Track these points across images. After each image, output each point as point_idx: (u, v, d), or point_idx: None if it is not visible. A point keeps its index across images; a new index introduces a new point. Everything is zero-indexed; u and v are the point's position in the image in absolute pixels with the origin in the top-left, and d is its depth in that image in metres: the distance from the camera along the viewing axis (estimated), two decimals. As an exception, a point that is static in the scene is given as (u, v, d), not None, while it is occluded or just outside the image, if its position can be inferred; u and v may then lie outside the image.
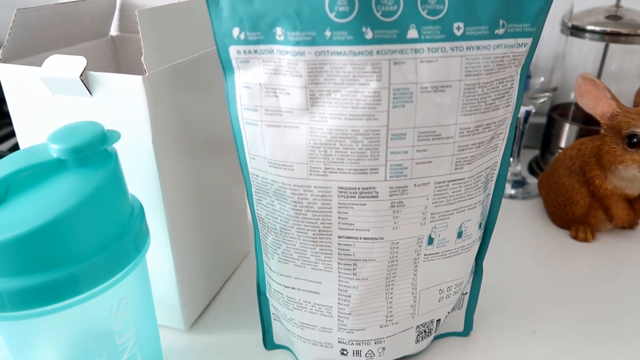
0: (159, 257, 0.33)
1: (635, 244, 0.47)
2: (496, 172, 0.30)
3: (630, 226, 0.49)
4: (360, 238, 0.27)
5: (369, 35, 0.23)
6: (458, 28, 0.24)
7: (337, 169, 0.26)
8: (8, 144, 0.65)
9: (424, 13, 0.24)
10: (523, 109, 0.52)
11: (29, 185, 0.23)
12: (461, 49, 0.24)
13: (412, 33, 0.24)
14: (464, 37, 0.24)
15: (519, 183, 0.57)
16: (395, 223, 0.27)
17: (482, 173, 0.29)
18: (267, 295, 0.33)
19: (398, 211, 0.27)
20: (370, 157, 0.25)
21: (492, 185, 0.30)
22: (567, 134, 0.58)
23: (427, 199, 0.27)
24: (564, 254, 0.46)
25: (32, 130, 0.32)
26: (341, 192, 0.26)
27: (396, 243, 0.28)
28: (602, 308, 0.39)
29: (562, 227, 0.50)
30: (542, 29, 0.26)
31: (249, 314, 0.38)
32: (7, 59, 0.31)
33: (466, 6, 0.24)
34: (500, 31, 0.25)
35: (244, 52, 0.25)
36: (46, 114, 0.31)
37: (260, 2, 0.24)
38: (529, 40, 0.26)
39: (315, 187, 0.26)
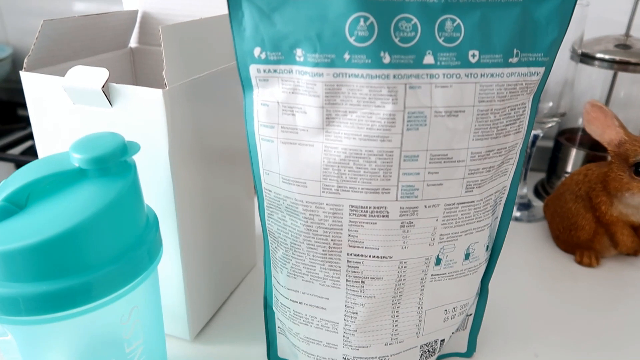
0: (168, 267, 0.33)
1: (639, 271, 0.47)
2: (505, 196, 0.30)
3: (635, 253, 0.49)
4: (370, 256, 0.28)
5: (387, 59, 0.24)
6: (473, 55, 0.25)
7: (350, 187, 0.26)
8: (20, 148, 0.66)
9: (440, 40, 0.24)
10: (531, 133, 0.53)
11: (49, 192, 0.24)
12: (475, 75, 0.25)
13: (429, 59, 0.24)
14: (478, 65, 0.25)
15: (525, 206, 0.57)
16: (404, 243, 0.28)
17: (492, 197, 0.29)
18: (274, 308, 0.33)
19: (407, 231, 0.27)
20: (383, 177, 0.26)
21: (500, 208, 0.31)
22: (573, 158, 0.59)
23: (437, 220, 0.28)
24: (568, 278, 0.46)
25: (51, 138, 0.32)
26: (352, 210, 0.27)
27: (404, 262, 0.28)
28: (605, 334, 0.39)
29: (566, 251, 0.50)
30: (554, 59, 0.27)
31: (253, 326, 0.39)
32: (30, 68, 0.32)
33: (482, 35, 0.25)
34: (514, 60, 0.26)
35: (264, 70, 0.26)
36: (66, 122, 0.31)
37: (282, 24, 0.24)
38: (541, 69, 0.27)
39: (327, 204, 0.27)
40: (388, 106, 0.25)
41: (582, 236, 0.47)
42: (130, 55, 0.42)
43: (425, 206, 0.27)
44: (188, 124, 0.31)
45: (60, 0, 0.77)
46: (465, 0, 0.24)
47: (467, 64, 0.25)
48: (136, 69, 0.43)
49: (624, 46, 0.53)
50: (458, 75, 0.25)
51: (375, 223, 0.27)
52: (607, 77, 0.57)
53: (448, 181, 0.27)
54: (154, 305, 0.29)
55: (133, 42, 0.42)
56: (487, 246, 0.31)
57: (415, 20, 0.24)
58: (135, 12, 0.40)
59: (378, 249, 0.28)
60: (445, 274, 0.30)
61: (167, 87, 0.29)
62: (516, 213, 0.56)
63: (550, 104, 0.51)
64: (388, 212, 0.27)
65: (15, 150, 0.65)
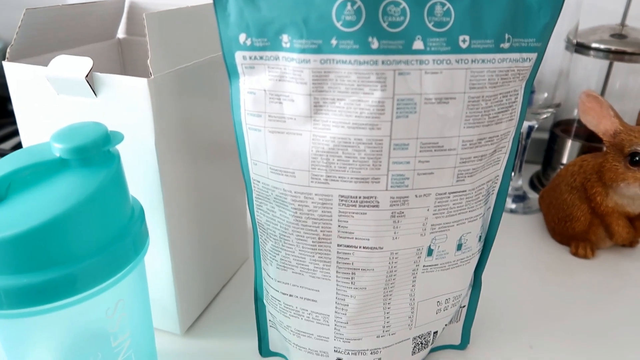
0: (157, 260, 0.33)
1: (635, 262, 0.47)
2: (498, 185, 0.30)
3: (631, 244, 0.49)
4: (360, 247, 0.27)
5: (375, 45, 0.23)
6: (464, 41, 0.24)
7: (339, 177, 0.26)
8: (11, 142, 0.65)
9: (430, 25, 0.24)
10: (526, 124, 0.52)
11: (30, 183, 0.23)
12: (466, 61, 0.24)
13: (418, 44, 0.24)
14: (469, 50, 0.24)
15: (520, 198, 0.57)
16: (395, 233, 0.27)
17: (484, 186, 0.29)
18: (264, 301, 0.33)
19: (398, 221, 0.27)
20: (372, 166, 0.25)
21: (493, 198, 0.30)
22: (569, 150, 0.58)
23: (428, 210, 0.27)
24: (564, 270, 0.46)
25: (36, 129, 0.32)
26: (342, 200, 0.26)
27: (395, 253, 0.28)
28: (600, 325, 0.39)
29: (562, 243, 0.50)
30: (547, 45, 0.26)
31: (245, 320, 0.38)
32: (13, 58, 0.31)
33: (472, 19, 0.24)
34: (506, 45, 0.25)
35: (250, 57, 0.25)
36: (50, 113, 0.31)
37: (267, 9, 0.24)
38: (534, 55, 0.26)
39: (316, 194, 0.26)
40: (377, 93, 0.24)
41: (578, 227, 0.47)
42: (119, 46, 0.41)
43: (416, 196, 0.27)
44: (175, 114, 0.31)
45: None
46: (455, -16, 0.24)
47: (457, 49, 0.24)
48: (125, 60, 0.42)
49: (619, 36, 0.52)
50: (448, 61, 0.24)
51: (366, 213, 0.27)
52: (603, 68, 0.57)
53: (439, 170, 0.26)
54: (141, 299, 0.28)
55: (121, 33, 0.41)
56: (480, 237, 0.31)
57: (404, 4, 0.23)
58: (122, 1, 0.39)
59: (368, 239, 0.27)
60: (437, 264, 0.30)
61: (153, 77, 0.28)
62: (511, 205, 0.56)
63: (545, 94, 0.50)
64: (378, 202, 0.26)
65: (6, 145, 0.64)
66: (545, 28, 0.26)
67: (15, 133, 0.66)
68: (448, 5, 0.24)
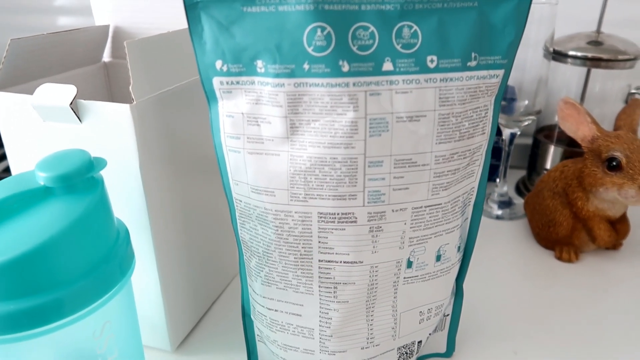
0: (145, 279, 0.34)
1: (619, 264, 0.48)
2: (473, 197, 0.31)
3: (614, 247, 0.50)
4: (340, 262, 0.28)
5: (346, 68, 0.24)
6: (432, 61, 0.25)
7: (317, 195, 0.27)
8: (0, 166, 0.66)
9: (398, 47, 0.25)
10: (508, 132, 0.54)
11: (16, 212, 0.24)
12: (435, 80, 0.25)
13: (387, 66, 0.25)
14: (437, 70, 0.25)
15: (506, 203, 0.58)
16: (374, 247, 0.28)
17: (459, 198, 0.29)
18: (252, 317, 0.33)
19: (377, 236, 0.28)
20: (349, 183, 0.26)
21: (469, 209, 0.31)
22: (552, 155, 0.59)
23: (405, 223, 0.28)
24: (549, 274, 0.46)
25: (24, 155, 0.33)
26: (321, 217, 0.27)
27: (375, 267, 0.29)
28: (585, 328, 0.39)
29: (547, 247, 0.50)
30: (513, 61, 0.27)
31: (235, 335, 0.39)
32: (0, 87, 0.32)
33: (439, 40, 0.25)
34: (473, 63, 0.26)
35: (227, 82, 0.26)
36: (37, 140, 0.31)
37: (241, 37, 0.25)
38: (500, 72, 0.27)
39: (296, 212, 0.27)
40: (349, 114, 0.25)
41: (561, 232, 0.48)
42: (105, 70, 0.42)
43: (393, 210, 0.27)
44: (158, 137, 0.31)
45: (34, 16, 0.77)
46: (421, 7, 0.25)
47: (425, 69, 0.25)
48: (111, 83, 0.43)
49: (595, 43, 0.53)
50: (417, 81, 0.25)
51: (344, 229, 0.27)
52: (582, 74, 0.58)
53: (414, 185, 0.27)
54: (128, 319, 0.29)
55: (107, 57, 0.42)
56: (459, 247, 0.32)
57: (372, 28, 0.24)
58: (107, 27, 0.40)
59: (348, 254, 0.28)
60: (417, 276, 0.30)
61: (135, 102, 0.29)
62: (497, 211, 0.57)
63: (526, 102, 0.52)
64: (356, 218, 0.27)
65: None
66: (510, 46, 0.27)
67: (4, 157, 0.67)
68: (415, 27, 0.25)
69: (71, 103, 0.29)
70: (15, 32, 0.30)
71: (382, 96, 0.25)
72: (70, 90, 0.29)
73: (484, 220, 0.56)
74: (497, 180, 0.58)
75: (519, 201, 0.59)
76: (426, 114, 0.26)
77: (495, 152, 0.60)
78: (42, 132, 0.31)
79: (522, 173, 0.67)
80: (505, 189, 0.58)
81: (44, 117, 0.30)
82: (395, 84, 0.25)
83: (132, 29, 0.41)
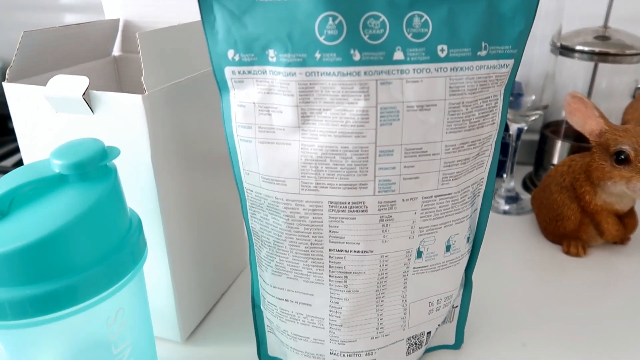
0: (156, 270, 0.34)
1: (626, 259, 0.48)
2: (483, 187, 0.31)
3: (622, 241, 0.50)
4: (351, 251, 0.28)
5: (357, 57, 0.25)
6: (442, 50, 0.25)
7: (328, 184, 0.27)
8: (12, 159, 0.66)
9: (409, 36, 0.25)
10: (515, 127, 0.54)
11: (32, 199, 0.24)
12: (445, 69, 0.26)
13: (398, 55, 0.25)
14: (447, 59, 0.25)
15: (513, 199, 0.58)
16: (384, 237, 0.28)
17: (469, 188, 0.30)
18: (262, 307, 0.34)
19: (387, 225, 0.28)
20: (360, 172, 0.26)
21: (479, 200, 0.31)
22: (559, 150, 0.59)
23: (415, 213, 0.28)
24: (556, 268, 0.47)
25: (36, 147, 0.33)
26: (332, 206, 0.27)
27: (385, 256, 0.29)
28: (593, 322, 0.39)
29: (554, 242, 0.50)
30: (523, 51, 0.28)
31: (244, 326, 0.39)
32: (13, 79, 0.32)
33: (449, 29, 0.25)
34: (483, 53, 0.26)
35: (239, 72, 0.26)
36: (50, 131, 0.32)
37: (253, 26, 0.25)
38: (510, 62, 0.27)
39: (306, 201, 0.27)
40: (360, 102, 0.25)
41: (569, 226, 0.48)
42: (114, 64, 0.42)
43: (403, 200, 0.28)
44: (170, 128, 0.32)
45: (46, 14, 0.78)
46: (432, -3, 0.25)
47: (436, 58, 0.25)
48: (121, 76, 0.43)
49: (603, 37, 0.53)
50: (428, 70, 0.25)
51: (355, 218, 0.28)
52: (588, 69, 0.58)
53: (424, 174, 0.27)
54: (140, 307, 0.29)
55: (117, 51, 0.43)
56: (468, 238, 0.32)
57: (383, 17, 0.25)
58: (117, 20, 0.41)
59: (359, 243, 0.28)
60: (427, 266, 0.30)
61: (147, 93, 0.29)
62: (505, 206, 0.57)
63: (533, 97, 0.52)
64: (367, 207, 0.27)
65: (8, 162, 0.65)
66: (520, 35, 0.27)
67: (17, 150, 0.67)
68: (425, 16, 0.25)
69: (84, 94, 0.29)
70: (27, 29, 0.30)
71: (393, 85, 0.25)
72: (82, 82, 0.30)
73: (491, 215, 0.56)
74: (504, 175, 0.58)
75: (526, 196, 0.59)
76: (437, 103, 0.26)
77: (503, 147, 0.60)
78: (54, 124, 0.31)
79: (528, 169, 0.67)
80: (512, 184, 0.58)
81: (57, 108, 0.31)
82: (406, 73, 0.25)
83: (141, 23, 0.41)
